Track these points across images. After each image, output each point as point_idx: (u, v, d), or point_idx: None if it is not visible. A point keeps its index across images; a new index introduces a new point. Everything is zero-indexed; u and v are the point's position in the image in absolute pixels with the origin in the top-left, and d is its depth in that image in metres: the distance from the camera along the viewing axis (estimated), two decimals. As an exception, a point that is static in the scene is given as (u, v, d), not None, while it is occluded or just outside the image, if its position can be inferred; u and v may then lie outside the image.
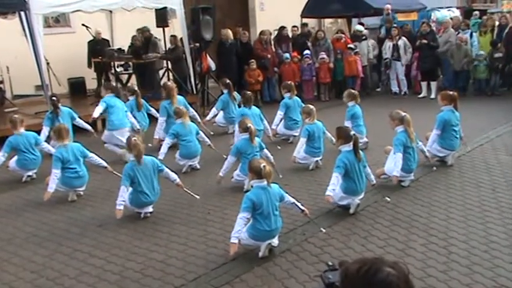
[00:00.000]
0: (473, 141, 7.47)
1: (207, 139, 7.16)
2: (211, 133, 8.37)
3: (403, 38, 11.40)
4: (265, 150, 6.16)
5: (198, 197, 5.63)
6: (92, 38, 11.21)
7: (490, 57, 10.92)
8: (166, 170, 5.48)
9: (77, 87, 11.54)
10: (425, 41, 10.93)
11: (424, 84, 11.38)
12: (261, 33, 11.73)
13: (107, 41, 11.46)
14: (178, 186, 5.56)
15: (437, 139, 6.51)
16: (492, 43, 11.07)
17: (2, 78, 10.67)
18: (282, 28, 12.01)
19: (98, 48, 11.13)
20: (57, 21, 12.22)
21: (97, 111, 7.63)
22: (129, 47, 11.16)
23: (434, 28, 12.04)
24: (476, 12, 13.58)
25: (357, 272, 1.56)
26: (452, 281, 3.82)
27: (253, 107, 7.64)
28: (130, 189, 5.22)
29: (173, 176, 5.51)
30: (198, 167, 6.89)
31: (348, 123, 7.17)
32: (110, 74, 11.47)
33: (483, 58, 10.97)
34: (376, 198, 5.48)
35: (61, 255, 4.58)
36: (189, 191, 5.60)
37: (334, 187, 5.01)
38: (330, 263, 1.87)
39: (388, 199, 5.44)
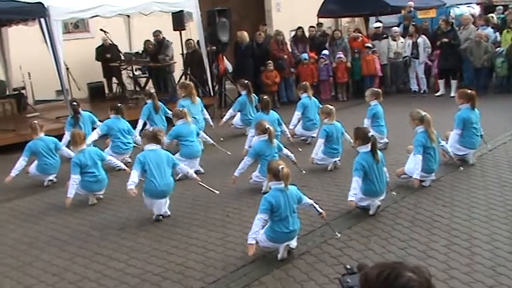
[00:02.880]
0: (495, 139, 7.32)
1: (209, 138, 7.20)
2: (221, 139, 8.32)
3: (423, 35, 11.25)
4: (285, 150, 6.16)
5: (217, 192, 5.69)
6: (100, 44, 11.44)
7: (508, 53, 10.68)
8: (181, 165, 5.69)
9: (96, 91, 11.69)
10: (446, 40, 10.74)
11: (441, 82, 11.20)
12: (276, 33, 11.71)
13: (115, 46, 11.55)
14: (195, 180, 5.69)
15: (457, 137, 6.41)
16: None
17: (24, 84, 10.88)
18: (299, 28, 11.97)
19: (106, 53, 11.33)
20: (76, 26, 12.42)
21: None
22: (143, 51, 11.29)
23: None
24: (500, 7, 13.30)
25: (377, 278, 1.52)
26: (476, 283, 3.74)
27: (272, 112, 7.50)
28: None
29: (189, 171, 5.71)
30: (202, 171, 6.80)
31: (367, 122, 7.11)
32: (129, 77, 11.60)
33: (502, 54, 10.74)
34: (396, 198, 5.40)
35: (82, 258, 4.62)
36: (206, 186, 5.70)
37: (356, 191, 4.95)
38: (349, 267, 1.84)
39: (394, 193, 5.40)
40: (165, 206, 5.41)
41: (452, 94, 10.62)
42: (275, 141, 6.00)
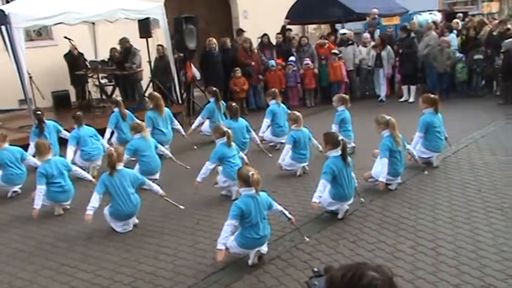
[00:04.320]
0: (458, 143, 7.54)
1: (167, 152, 7.20)
2: (195, 147, 8.34)
3: (388, 46, 11.48)
4: (241, 153, 6.34)
5: (182, 207, 5.60)
6: (67, 51, 11.23)
7: (470, 58, 11.03)
8: (149, 182, 5.53)
9: (61, 100, 11.45)
10: (401, 45, 11.07)
11: (404, 88, 11.47)
12: (244, 40, 11.76)
13: (82, 54, 11.38)
14: (162, 197, 5.55)
15: (422, 141, 6.59)
16: (474, 45, 11.18)
17: (-15, 94, 10.57)
18: (264, 35, 12.05)
19: (74, 62, 11.14)
20: (39, 34, 12.15)
21: None
22: (109, 59, 11.15)
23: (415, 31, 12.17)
24: (460, 15, 13.72)
25: (342, 279, 1.57)
26: (441, 282, 3.85)
27: (240, 119, 7.56)
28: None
29: (156, 187, 5.54)
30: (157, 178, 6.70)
31: (335, 128, 7.22)
32: (95, 86, 11.42)
33: (462, 60, 11.09)
34: (364, 202, 5.50)
35: (48, 270, 4.52)
36: (173, 202, 5.57)
37: (321, 194, 5.02)
38: (316, 269, 1.87)
39: (363, 200, 5.49)
40: (132, 224, 5.32)
41: (410, 100, 10.94)
42: (233, 144, 6.07)
